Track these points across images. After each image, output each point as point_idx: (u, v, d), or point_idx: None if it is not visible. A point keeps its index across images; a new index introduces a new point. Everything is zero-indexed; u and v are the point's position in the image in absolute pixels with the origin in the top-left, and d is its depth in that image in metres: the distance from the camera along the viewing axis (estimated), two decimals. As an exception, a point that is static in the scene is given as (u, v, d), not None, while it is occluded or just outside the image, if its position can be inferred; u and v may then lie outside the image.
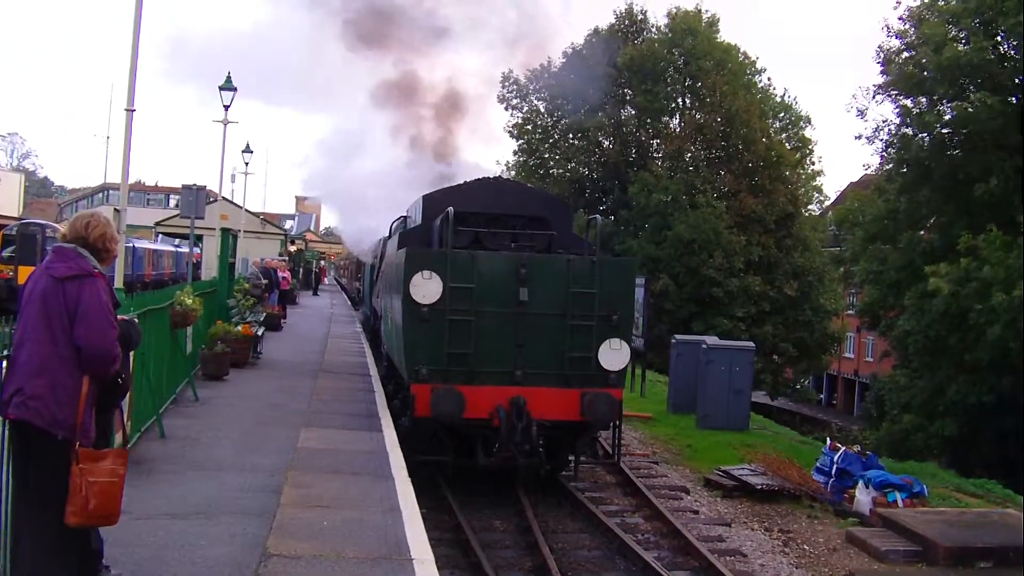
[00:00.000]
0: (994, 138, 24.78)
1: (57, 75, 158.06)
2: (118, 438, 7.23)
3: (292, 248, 51.44)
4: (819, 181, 47.85)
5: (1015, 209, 23.85)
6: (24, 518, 4.84)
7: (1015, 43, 25.15)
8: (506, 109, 50.19)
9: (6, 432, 4.93)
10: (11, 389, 4.73)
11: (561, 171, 47.59)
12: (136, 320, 6.45)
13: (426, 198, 14.19)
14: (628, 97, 46.41)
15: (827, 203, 50.06)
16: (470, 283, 11.50)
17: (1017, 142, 24.33)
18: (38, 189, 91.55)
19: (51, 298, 4.75)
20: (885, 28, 28.28)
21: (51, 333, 4.72)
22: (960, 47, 24.59)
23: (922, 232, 28.39)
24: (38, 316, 4.76)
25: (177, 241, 49.46)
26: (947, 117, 26.23)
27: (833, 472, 13.87)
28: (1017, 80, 25.19)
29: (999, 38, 25.76)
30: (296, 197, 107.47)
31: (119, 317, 5.31)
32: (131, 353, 6.17)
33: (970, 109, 24.36)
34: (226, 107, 24.75)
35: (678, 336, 22.47)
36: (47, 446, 4.69)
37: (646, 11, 47.92)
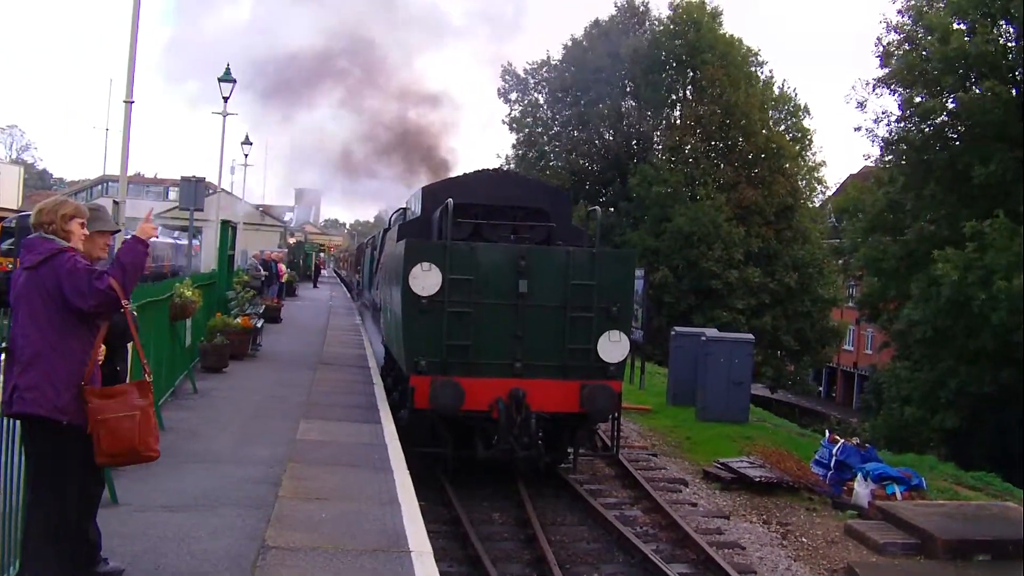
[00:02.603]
0: (995, 129, 24.77)
1: (56, 67, 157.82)
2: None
3: (291, 240, 51.40)
4: (820, 172, 47.87)
5: (1015, 200, 23.86)
6: (30, 504, 4.85)
7: (1016, 34, 25.15)
8: (505, 103, 50.31)
9: (4, 425, 4.93)
10: (9, 387, 4.74)
11: (561, 163, 47.62)
12: (134, 312, 6.43)
13: (425, 189, 14.17)
14: (629, 89, 46.44)
15: (828, 194, 50.07)
16: (469, 275, 11.49)
17: (1018, 133, 24.32)
18: (37, 181, 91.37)
19: (31, 289, 4.75)
20: (884, 24, 28.36)
21: (37, 325, 4.71)
22: (965, 39, 24.58)
23: (922, 223, 28.38)
24: (24, 311, 4.77)
25: (176, 233, 49.42)
26: (950, 106, 26.22)
27: (832, 465, 13.87)
28: (1018, 72, 25.19)
29: (998, 29, 25.75)
30: (295, 189, 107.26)
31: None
32: (128, 344, 6.14)
33: (976, 94, 24.35)
34: (225, 99, 24.73)
35: (677, 328, 22.46)
36: (53, 433, 4.71)
37: (648, 2, 47.99)
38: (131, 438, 4.84)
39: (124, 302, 4.77)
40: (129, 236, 5.08)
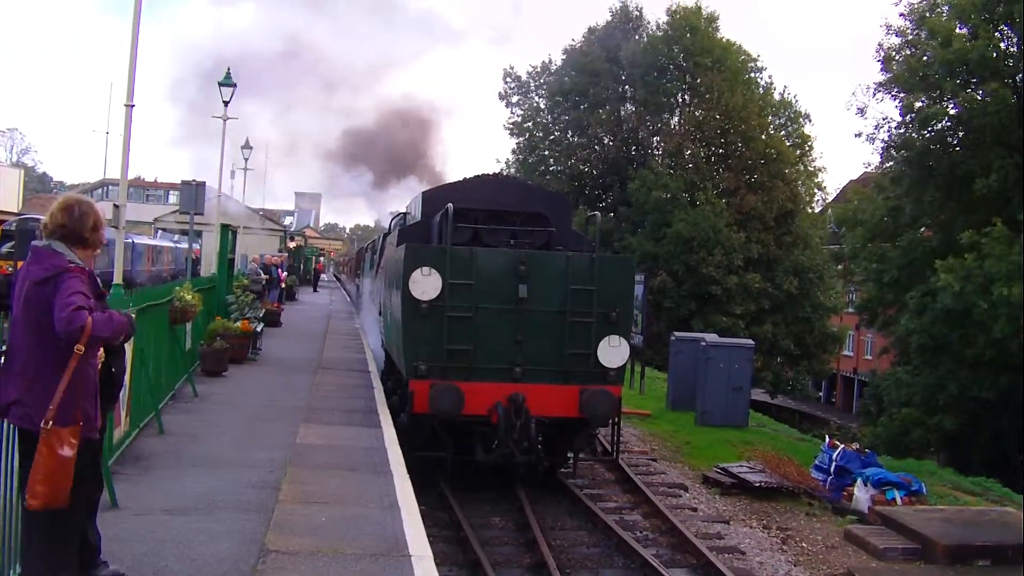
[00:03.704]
0: (995, 134, 24.78)
1: (57, 70, 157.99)
2: (117, 434, 7.25)
3: (291, 244, 51.38)
4: (820, 178, 47.96)
5: (1015, 207, 23.84)
6: (31, 516, 4.81)
7: (1018, 39, 25.17)
8: (507, 106, 50.46)
9: (1, 429, 4.91)
10: (11, 396, 4.68)
11: (561, 168, 47.69)
12: (132, 315, 6.42)
13: (425, 194, 14.18)
14: (628, 94, 46.52)
15: (828, 200, 50.15)
16: (469, 280, 11.50)
17: (1018, 139, 24.32)
18: (37, 185, 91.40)
19: (33, 303, 4.69)
20: (886, 27, 28.35)
21: (40, 339, 4.66)
22: (967, 42, 24.57)
23: (923, 230, 28.37)
24: (25, 322, 4.71)
25: (176, 237, 49.43)
26: (951, 111, 26.21)
27: (832, 470, 13.88)
28: (1019, 77, 25.20)
29: (1000, 34, 25.77)
30: (295, 193, 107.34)
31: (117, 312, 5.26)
32: (126, 346, 6.12)
33: (978, 99, 24.34)
34: (226, 103, 24.70)
35: (677, 333, 22.48)
36: None
37: (641, 8, 48.17)
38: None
39: (78, 346, 4.58)
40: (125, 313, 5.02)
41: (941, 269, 22.95)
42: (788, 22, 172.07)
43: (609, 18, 48.21)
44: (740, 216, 41.44)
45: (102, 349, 4.97)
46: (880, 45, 28.44)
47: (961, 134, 26.72)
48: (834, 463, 13.88)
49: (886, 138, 28.41)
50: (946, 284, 22.50)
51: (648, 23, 47.92)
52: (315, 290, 49.17)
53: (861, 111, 28.73)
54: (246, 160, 40.82)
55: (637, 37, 46.98)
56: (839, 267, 38.32)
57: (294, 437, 10.22)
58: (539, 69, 49.96)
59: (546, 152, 48.97)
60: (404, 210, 17.16)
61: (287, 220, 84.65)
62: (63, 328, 4.55)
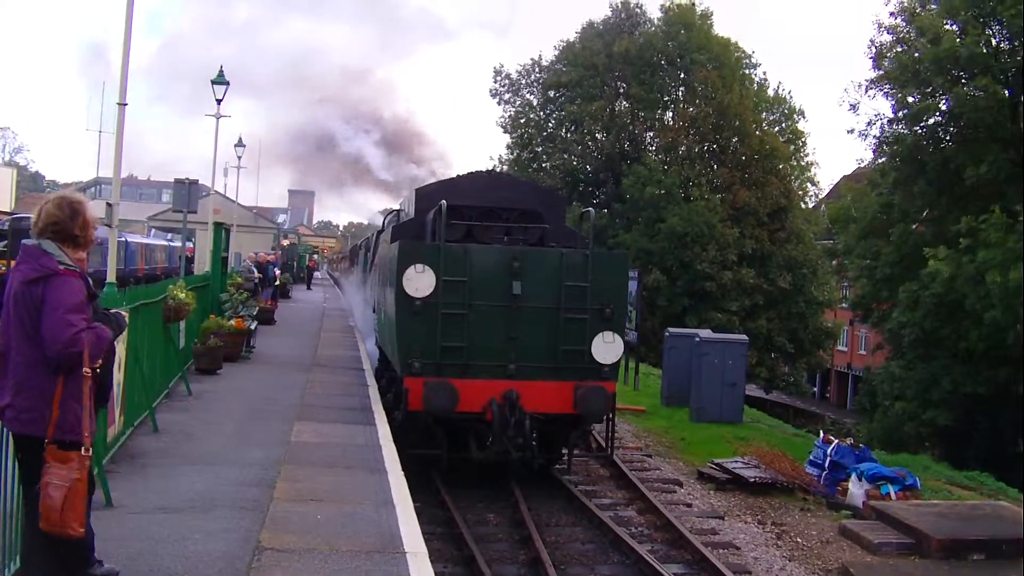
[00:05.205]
0: (988, 130, 24.83)
1: (49, 69, 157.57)
2: (111, 432, 7.25)
3: (284, 242, 51.35)
4: (812, 172, 48.03)
5: (1008, 201, 23.88)
6: (26, 508, 4.80)
7: (1009, 35, 25.21)
8: (499, 104, 50.49)
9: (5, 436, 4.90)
10: (4, 400, 4.66)
11: (554, 164, 47.71)
12: (122, 314, 6.39)
13: (419, 191, 14.19)
14: (622, 89, 46.56)
15: (821, 195, 50.24)
16: (463, 276, 11.51)
17: (1010, 134, 24.37)
18: (30, 184, 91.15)
19: (22, 303, 4.64)
20: (877, 24, 28.46)
21: (29, 339, 4.61)
22: (956, 40, 24.63)
23: (915, 225, 28.43)
24: (15, 322, 4.66)
25: (170, 235, 49.37)
26: (943, 107, 26.26)
27: (826, 465, 13.91)
28: (1011, 73, 25.23)
29: (991, 31, 25.83)
30: (289, 191, 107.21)
31: (107, 311, 5.23)
32: (118, 345, 6.09)
33: (971, 95, 24.36)
34: (218, 101, 24.63)
35: (671, 329, 22.50)
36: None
37: (642, 4, 48.20)
38: (56, 511, 4.46)
39: (85, 369, 4.57)
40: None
41: (929, 255, 22.99)
42: (784, 20, 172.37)
43: (609, 14, 48.30)
44: (734, 212, 41.52)
45: None
46: (872, 42, 28.56)
47: (953, 129, 26.78)
48: (828, 458, 13.91)
49: (878, 134, 28.50)
50: (937, 271, 22.54)
51: (649, 19, 48.00)
52: (309, 288, 49.09)
53: (854, 107, 28.81)
54: (239, 158, 40.77)
55: (636, 34, 47.03)
56: (833, 263, 38.40)
57: (289, 435, 10.20)
58: (529, 66, 50.07)
59: (539, 148, 49.01)
60: (398, 207, 17.17)
61: (280, 218, 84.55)
62: (62, 351, 4.50)
